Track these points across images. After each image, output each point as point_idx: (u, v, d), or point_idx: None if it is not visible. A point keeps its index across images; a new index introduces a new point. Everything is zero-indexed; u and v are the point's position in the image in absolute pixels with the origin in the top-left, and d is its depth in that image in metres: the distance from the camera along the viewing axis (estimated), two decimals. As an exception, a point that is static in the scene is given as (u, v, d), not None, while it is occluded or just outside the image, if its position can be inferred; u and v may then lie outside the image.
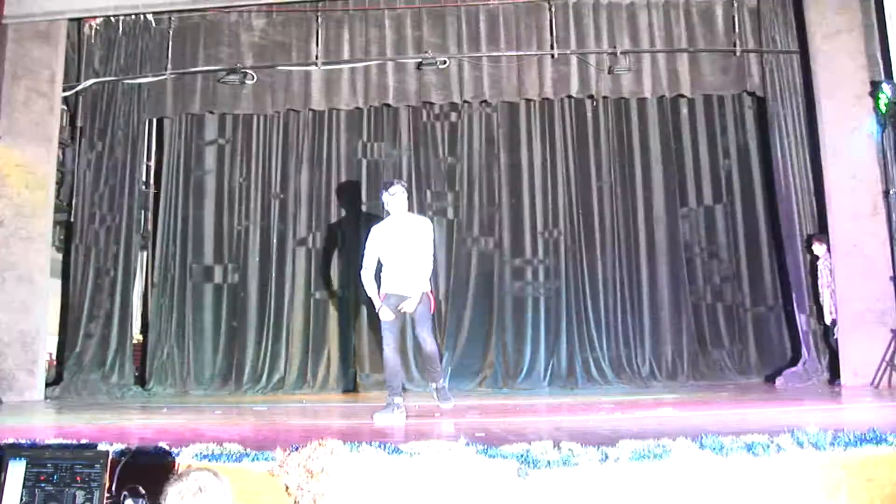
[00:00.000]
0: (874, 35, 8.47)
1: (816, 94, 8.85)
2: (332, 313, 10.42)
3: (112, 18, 9.86)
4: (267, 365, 10.32)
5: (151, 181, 10.76)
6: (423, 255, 6.29)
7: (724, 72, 9.89)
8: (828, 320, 8.79)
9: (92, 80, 9.94)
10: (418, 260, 6.27)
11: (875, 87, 8.46)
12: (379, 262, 6.41)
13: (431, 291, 6.51)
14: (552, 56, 9.91)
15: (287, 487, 3.37)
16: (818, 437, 3.39)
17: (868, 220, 8.47)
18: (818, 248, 8.87)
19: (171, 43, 10.24)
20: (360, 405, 8.01)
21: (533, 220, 10.52)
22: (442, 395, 6.47)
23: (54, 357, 9.65)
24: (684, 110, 10.60)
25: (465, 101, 10.37)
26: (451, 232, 10.56)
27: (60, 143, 9.42)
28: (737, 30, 9.79)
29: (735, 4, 9.85)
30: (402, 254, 6.30)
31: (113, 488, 3.15)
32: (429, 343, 6.30)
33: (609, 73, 9.84)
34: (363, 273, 6.41)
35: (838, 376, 8.47)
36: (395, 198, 6.35)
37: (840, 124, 8.64)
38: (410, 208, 6.79)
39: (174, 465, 3.55)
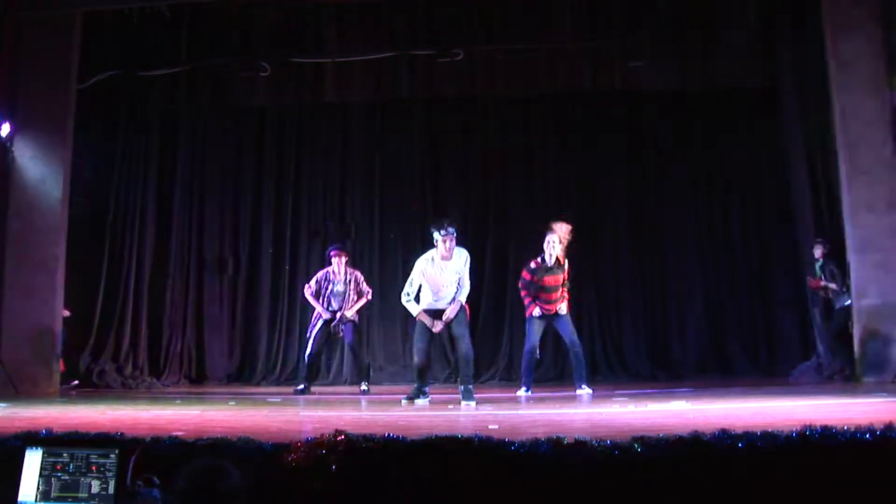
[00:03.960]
0: (893, 27, 8.39)
1: (831, 86, 8.76)
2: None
3: (127, 10, 9.87)
4: (281, 356, 10.42)
5: (165, 173, 10.79)
6: (462, 283, 7.19)
7: (738, 65, 9.82)
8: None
9: (107, 73, 9.95)
10: (454, 284, 7.17)
11: (892, 81, 8.39)
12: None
13: (466, 304, 7.26)
14: (567, 48, 9.86)
15: (300, 478, 3.37)
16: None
17: (883, 214, 8.39)
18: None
19: (185, 35, 10.25)
20: (374, 397, 8.03)
21: (546, 213, 10.46)
22: (467, 394, 6.83)
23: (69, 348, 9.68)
24: (698, 103, 10.51)
25: (478, 94, 10.35)
26: (464, 224, 10.53)
27: (75, 135, 9.44)
28: (751, 23, 9.71)
29: (751, -3, 9.78)
30: (442, 284, 7.15)
31: (128, 478, 3.16)
32: (464, 345, 7.07)
33: (623, 66, 9.79)
34: (404, 297, 7.28)
35: (853, 371, 8.43)
36: (443, 241, 7.08)
37: (855, 118, 8.55)
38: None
39: (188, 456, 3.57)
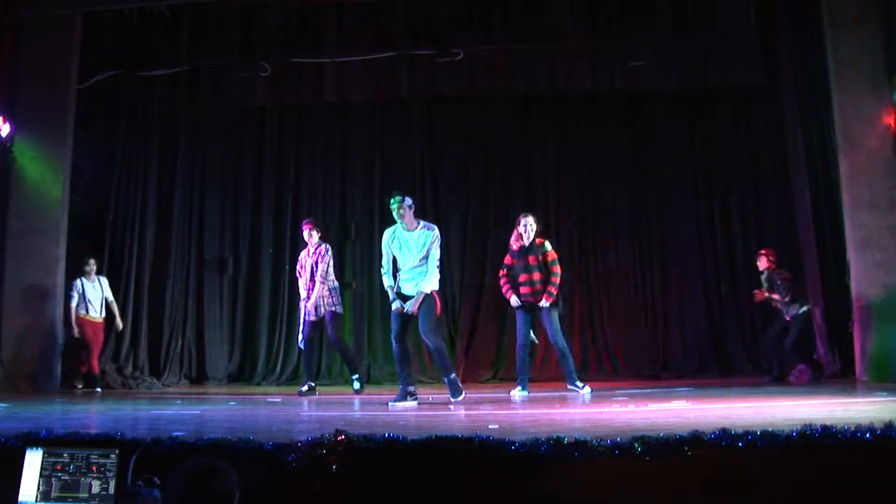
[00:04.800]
0: (893, 27, 8.39)
1: (832, 84, 8.76)
2: (346, 305, 10.42)
3: (127, 10, 9.87)
4: (281, 356, 10.43)
5: (165, 173, 10.79)
6: (429, 262, 6.73)
7: (737, 63, 9.79)
8: None
9: (107, 73, 9.95)
10: (422, 266, 6.73)
11: (892, 78, 8.39)
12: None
13: (436, 293, 6.84)
14: (567, 48, 9.85)
15: (300, 478, 3.38)
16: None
17: (885, 212, 8.39)
18: None
19: (185, 35, 10.24)
20: (374, 396, 8.03)
21: (546, 213, 10.49)
22: (454, 387, 6.74)
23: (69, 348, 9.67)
24: (698, 103, 10.50)
25: (478, 94, 10.35)
26: (464, 224, 10.57)
27: (75, 135, 9.45)
28: (751, 23, 9.70)
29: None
30: (406, 260, 6.79)
31: (128, 478, 3.17)
32: (431, 340, 6.76)
33: (624, 66, 9.79)
34: (382, 272, 7.01)
35: (853, 370, 8.43)
36: (395, 211, 6.82)
37: (856, 115, 8.56)
38: (423, 208, 6.97)
39: (188, 456, 3.57)
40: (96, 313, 9.42)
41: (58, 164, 9.18)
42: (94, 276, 9.50)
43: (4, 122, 8.79)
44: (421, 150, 10.80)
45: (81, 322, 9.29)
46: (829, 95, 8.84)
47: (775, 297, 8.84)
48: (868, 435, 3.32)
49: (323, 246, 8.57)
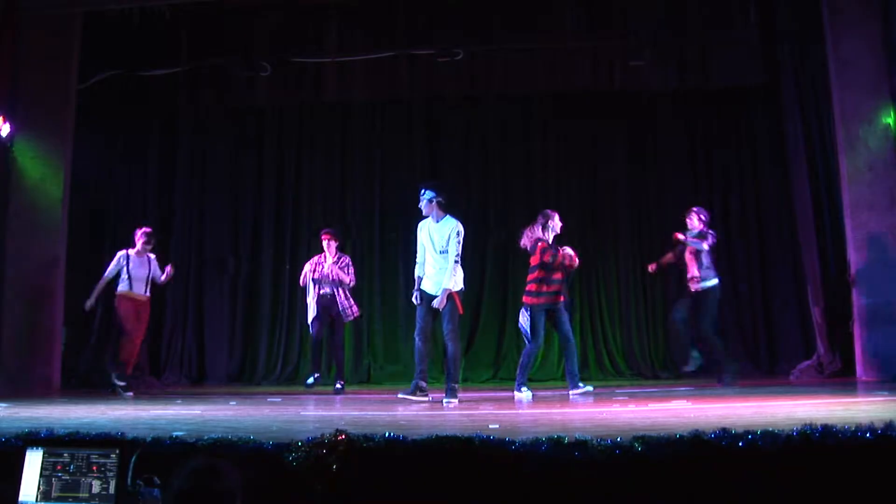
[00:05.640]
0: (893, 26, 8.39)
1: (832, 84, 8.76)
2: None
3: (127, 10, 9.86)
4: (281, 356, 10.42)
5: (165, 173, 10.79)
6: (448, 257, 6.84)
7: (737, 63, 9.81)
8: None
9: (107, 72, 9.95)
10: (443, 258, 6.85)
11: (893, 78, 8.39)
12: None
13: (457, 294, 6.91)
14: (567, 48, 9.85)
15: (301, 478, 3.37)
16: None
17: (885, 212, 8.39)
18: None
19: (185, 35, 10.24)
20: (374, 396, 8.03)
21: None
22: (451, 392, 6.78)
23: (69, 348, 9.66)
24: (698, 102, 10.50)
25: (478, 94, 10.34)
26: (464, 224, 10.53)
27: (75, 134, 9.44)
28: (751, 22, 9.69)
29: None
30: (430, 253, 6.93)
31: (128, 478, 3.17)
32: (452, 344, 6.86)
33: (623, 66, 9.79)
34: (416, 262, 7.15)
35: (853, 370, 8.43)
36: (422, 203, 7.04)
37: (856, 115, 8.55)
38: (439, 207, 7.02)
39: (188, 456, 3.57)
40: (141, 291, 8.79)
41: (58, 164, 9.17)
42: (144, 253, 8.85)
43: (4, 122, 8.77)
44: (421, 150, 10.79)
45: (120, 299, 8.71)
46: (829, 95, 8.84)
47: (699, 246, 8.04)
48: (868, 435, 3.31)
49: (346, 257, 9.01)
